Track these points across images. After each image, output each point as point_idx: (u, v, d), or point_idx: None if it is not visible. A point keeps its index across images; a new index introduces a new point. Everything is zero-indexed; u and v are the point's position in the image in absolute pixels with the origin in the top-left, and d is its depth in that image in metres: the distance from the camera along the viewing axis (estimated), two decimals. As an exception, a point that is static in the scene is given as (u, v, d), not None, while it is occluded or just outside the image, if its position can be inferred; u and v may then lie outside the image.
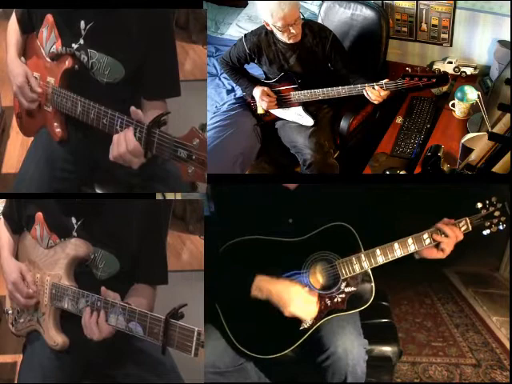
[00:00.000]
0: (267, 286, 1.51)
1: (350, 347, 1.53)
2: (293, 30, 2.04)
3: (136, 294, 1.53)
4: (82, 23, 1.49)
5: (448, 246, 1.54)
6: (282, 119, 2.36)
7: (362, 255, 1.55)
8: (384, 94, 2.00)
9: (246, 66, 2.36)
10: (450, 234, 1.53)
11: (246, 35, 2.24)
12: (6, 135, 2.58)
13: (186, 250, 2.61)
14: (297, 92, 2.22)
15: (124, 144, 1.36)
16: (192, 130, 1.23)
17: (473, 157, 1.62)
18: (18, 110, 1.75)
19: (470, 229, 1.57)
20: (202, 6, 2.05)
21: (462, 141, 1.82)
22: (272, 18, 2.00)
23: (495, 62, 2.24)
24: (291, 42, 2.10)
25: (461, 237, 1.55)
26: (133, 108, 1.36)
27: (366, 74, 2.21)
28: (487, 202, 1.57)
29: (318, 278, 1.58)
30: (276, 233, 1.58)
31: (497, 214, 1.56)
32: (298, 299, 1.50)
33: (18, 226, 1.63)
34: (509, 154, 1.48)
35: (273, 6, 1.97)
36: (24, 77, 1.57)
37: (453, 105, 2.20)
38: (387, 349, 1.75)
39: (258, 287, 1.51)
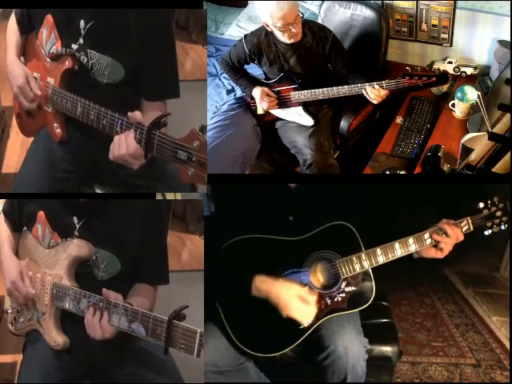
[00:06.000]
0: (266, 287, 1.51)
1: (350, 346, 1.53)
2: (293, 29, 2.03)
3: (137, 293, 1.53)
4: (82, 22, 1.49)
5: (447, 245, 1.54)
6: (282, 119, 2.36)
7: (363, 254, 1.55)
8: (383, 93, 2.00)
9: (245, 66, 2.36)
10: (451, 234, 1.53)
11: (245, 36, 2.23)
12: (5, 135, 2.58)
13: (186, 249, 2.60)
14: (297, 92, 2.21)
15: (125, 146, 1.36)
16: (192, 132, 1.23)
17: (473, 157, 1.62)
18: (18, 109, 1.75)
19: (472, 229, 1.57)
20: (202, 6, 2.05)
21: (462, 141, 1.82)
22: (271, 18, 2.00)
23: (495, 62, 2.24)
24: (292, 41, 2.10)
25: (461, 237, 1.55)
26: (130, 114, 1.36)
27: (366, 73, 2.21)
28: (489, 201, 1.57)
29: (318, 277, 1.58)
30: (277, 232, 1.58)
31: (498, 214, 1.56)
32: (297, 301, 1.50)
33: (19, 224, 1.63)
34: (509, 154, 1.48)
35: (272, 7, 1.97)
36: (24, 77, 1.57)
37: (453, 105, 2.20)
38: (387, 349, 1.75)
39: (257, 288, 1.51)
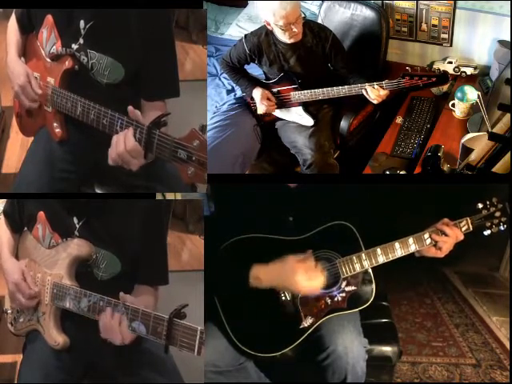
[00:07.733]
0: (266, 274, 1.49)
1: (350, 346, 1.53)
2: (295, 29, 2.04)
3: (139, 295, 1.53)
4: (82, 22, 1.50)
5: (446, 245, 1.54)
6: (282, 119, 2.36)
7: (363, 254, 1.55)
8: (383, 93, 2.00)
9: (245, 66, 2.36)
10: (450, 234, 1.53)
11: (246, 36, 2.24)
12: (5, 135, 2.58)
13: (186, 249, 2.60)
14: (297, 92, 2.22)
15: (123, 144, 1.36)
16: (192, 131, 1.23)
17: (473, 157, 1.62)
18: (18, 109, 1.75)
19: (471, 229, 1.57)
20: (202, 6, 2.06)
21: (462, 141, 1.82)
22: (274, 16, 2.00)
23: (495, 62, 2.24)
24: (292, 41, 2.10)
25: (461, 237, 1.55)
26: (130, 108, 1.36)
27: (366, 74, 2.21)
28: (488, 202, 1.57)
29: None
30: (277, 232, 1.58)
31: (497, 214, 1.57)
32: (303, 272, 1.48)
33: (19, 225, 1.63)
34: (509, 154, 1.48)
35: (275, 5, 1.97)
36: (25, 76, 1.57)
37: (453, 105, 2.20)
38: (387, 349, 1.75)
39: (256, 276, 1.49)
